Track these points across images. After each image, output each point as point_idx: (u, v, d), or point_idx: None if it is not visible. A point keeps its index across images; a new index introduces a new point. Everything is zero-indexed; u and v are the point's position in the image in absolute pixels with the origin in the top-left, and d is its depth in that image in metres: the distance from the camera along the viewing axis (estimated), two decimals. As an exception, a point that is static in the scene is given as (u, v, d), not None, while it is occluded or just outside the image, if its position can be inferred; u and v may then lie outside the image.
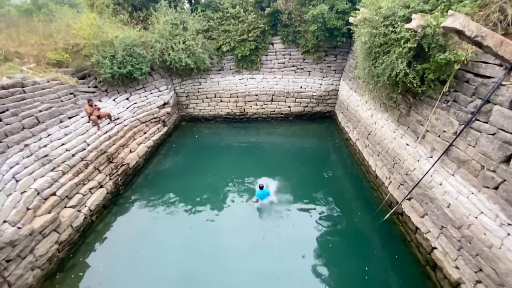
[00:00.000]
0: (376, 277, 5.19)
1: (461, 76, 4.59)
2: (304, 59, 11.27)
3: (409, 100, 6.06)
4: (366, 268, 5.36)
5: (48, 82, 7.23)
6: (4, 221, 4.78)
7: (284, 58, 11.31)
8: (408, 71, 4.81)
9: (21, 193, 5.39)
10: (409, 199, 6.04)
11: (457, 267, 4.64)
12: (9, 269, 4.57)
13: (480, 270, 4.16)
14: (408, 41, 4.57)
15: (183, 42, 9.88)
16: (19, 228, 4.89)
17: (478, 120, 4.24)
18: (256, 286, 5.09)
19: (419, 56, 4.86)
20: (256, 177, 7.93)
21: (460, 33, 3.67)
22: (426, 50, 4.48)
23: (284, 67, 11.48)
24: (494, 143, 3.93)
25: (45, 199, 5.81)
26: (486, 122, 4.09)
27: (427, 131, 5.48)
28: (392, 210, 6.37)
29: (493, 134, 3.97)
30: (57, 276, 5.37)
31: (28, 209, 5.36)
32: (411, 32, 4.50)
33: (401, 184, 6.38)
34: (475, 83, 4.32)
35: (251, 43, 10.63)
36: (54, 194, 6.01)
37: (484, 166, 4.12)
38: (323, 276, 5.23)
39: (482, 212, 4.15)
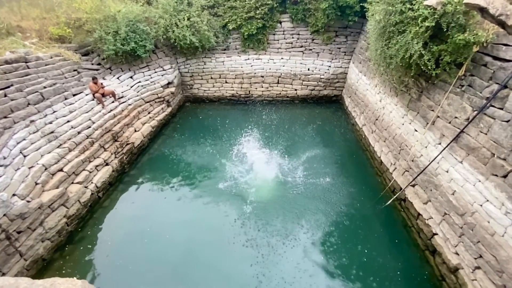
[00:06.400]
0: (375, 260, 5.30)
1: (479, 59, 4.36)
2: (313, 40, 10.83)
3: (421, 84, 5.83)
4: (366, 251, 5.46)
5: (51, 58, 7.13)
6: (14, 195, 4.92)
7: (292, 38, 10.88)
8: (423, 52, 4.58)
9: (29, 168, 5.50)
10: (413, 186, 6.01)
11: (456, 253, 4.68)
12: (20, 240, 4.77)
13: (480, 256, 4.19)
14: (426, 20, 4.31)
15: (188, 19, 9.53)
16: (28, 201, 5.04)
17: (493, 106, 4.08)
18: (254, 259, 5.25)
19: (436, 36, 4.61)
20: (259, 159, 7.92)
21: (483, 10, 3.43)
22: (445, 30, 4.22)
23: (292, 47, 11.07)
24: (508, 130, 3.80)
25: (53, 175, 5.93)
26: (501, 109, 3.94)
27: (438, 117, 5.32)
28: (395, 196, 6.37)
29: (508, 121, 3.83)
30: (67, 248, 5.61)
31: (36, 183, 5.49)
32: (430, 9, 4.22)
33: (406, 171, 6.32)
34: (493, 67, 4.11)
35: (258, 21, 10.19)
36: (61, 170, 6.12)
37: (494, 153, 4.02)
38: (322, 257, 5.35)
39: (487, 200, 4.11)
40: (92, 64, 8.54)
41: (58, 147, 6.31)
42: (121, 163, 7.75)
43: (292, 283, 4.90)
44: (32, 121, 5.95)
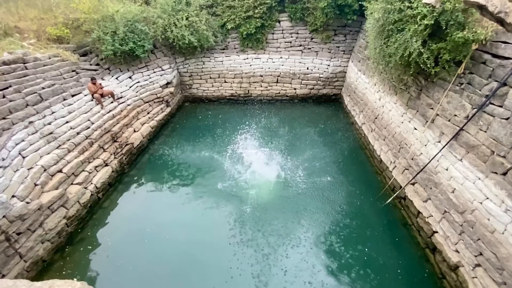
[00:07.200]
0: (376, 259, 5.30)
1: (478, 57, 4.36)
2: (312, 39, 10.81)
3: (420, 83, 5.83)
4: (366, 250, 5.46)
5: (49, 58, 7.10)
6: (13, 196, 4.90)
7: (291, 37, 10.87)
8: (422, 50, 4.58)
9: (28, 169, 5.47)
10: (413, 184, 6.01)
11: (457, 251, 4.69)
12: (20, 241, 4.75)
13: (480, 254, 4.19)
14: (425, 18, 4.30)
15: (186, 18, 9.50)
16: (27, 203, 5.02)
17: (492, 103, 4.08)
18: (255, 259, 5.25)
19: (435, 34, 4.61)
20: (259, 160, 7.92)
21: (482, 8, 3.42)
22: (444, 28, 4.22)
23: (291, 46, 11.06)
24: (507, 128, 3.80)
25: (52, 176, 5.91)
26: (501, 106, 3.94)
27: (437, 115, 5.32)
28: (395, 194, 6.38)
29: (507, 119, 3.83)
30: (67, 249, 5.60)
31: (35, 185, 5.47)
32: (429, 7, 4.21)
33: (406, 169, 6.32)
34: (493, 65, 4.11)
35: (257, 20, 10.17)
36: (60, 171, 6.10)
37: (494, 151, 4.02)
38: (322, 256, 5.35)
39: (487, 198, 4.11)
40: (91, 64, 8.51)
41: (57, 148, 6.28)
42: (120, 163, 7.73)
43: (293, 282, 4.90)
44: (30, 122, 5.93)
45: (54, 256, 5.43)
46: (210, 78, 11.87)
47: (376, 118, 8.15)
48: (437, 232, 5.18)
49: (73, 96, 7.29)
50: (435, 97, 5.39)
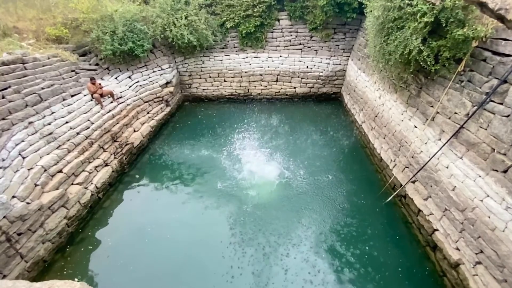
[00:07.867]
0: (376, 257, 5.30)
1: (478, 54, 4.35)
2: (311, 37, 10.78)
3: (420, 81, 5.82)
4: (367, 248, 5.46)
5: (48, 58, 7.10)
6: (13, 196, 4.90)
7: (291, 35, 10.84)
8: (422, 48, 4.56)
9: (28, 169, 5.47)
10: (413, 182, 6.01)
11: (457, 249, 4.69)
12: (20, 241, 4.76)
13: (481, 251, 4.19)
14: (425, 15, 4.29)
15: (185, 18, 9.48)
16: (28, 203, 5.02)
17: (493, 101, 4.07)
18: (256, 258, 5.26)
19: (434, 32, 4.59)
20: (258, 159, 7.91)
21: (482, 5, 3.38)
22: (444, 25, 4.20)
23: (290, 45, 11.03)
24: (508, 125, 3.79)
25: (52, 176, 5.91)
26: (501, 104, 3.93)
27: (437, 112, 5.32)
28: (395, 193, 6.37)
29: (507, 116, 3.82)
30: (67, 249, 5.60)
31: (36, 185, 5.47)
32: (429, 5, 4.20)
33: (406, 167, 6.31)
34: (493, 62, 4.10)
35: (256, 19, 10.15)
36: (60, 171, 6.10)
37: (494, 149, 4.02)
38: (323, 255, 5.36)
39: (488, 195, 4.11)
40: (90, 64, 8.50)
41: (57, 148, 6.28)
42: (120, 163, 7.73)
43: (293, 281, 4.90)
44: (30, 123, 5.92)
45: (55, 256, 5.43)
46: (210, 77, 11.85)
47: (376, 116, 8.14)
48: (437, 230, 5.18)
49: (72, 96, 7.28)
50: (435, 95, 5.38)
